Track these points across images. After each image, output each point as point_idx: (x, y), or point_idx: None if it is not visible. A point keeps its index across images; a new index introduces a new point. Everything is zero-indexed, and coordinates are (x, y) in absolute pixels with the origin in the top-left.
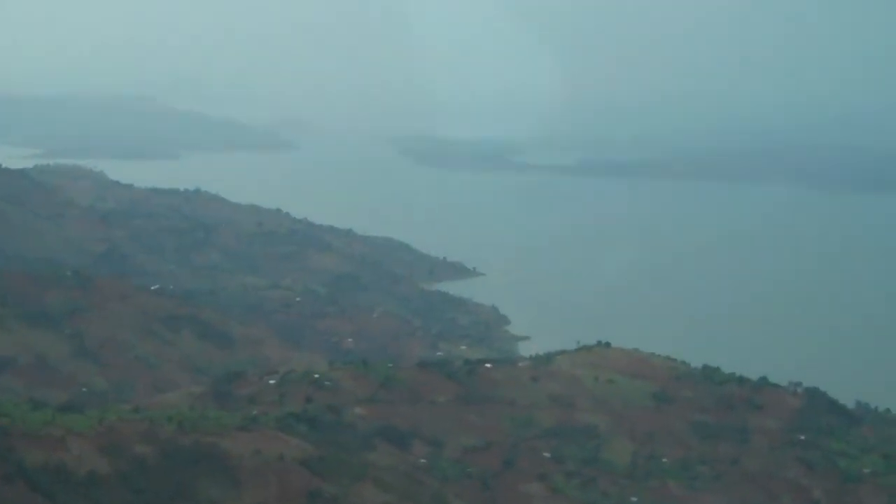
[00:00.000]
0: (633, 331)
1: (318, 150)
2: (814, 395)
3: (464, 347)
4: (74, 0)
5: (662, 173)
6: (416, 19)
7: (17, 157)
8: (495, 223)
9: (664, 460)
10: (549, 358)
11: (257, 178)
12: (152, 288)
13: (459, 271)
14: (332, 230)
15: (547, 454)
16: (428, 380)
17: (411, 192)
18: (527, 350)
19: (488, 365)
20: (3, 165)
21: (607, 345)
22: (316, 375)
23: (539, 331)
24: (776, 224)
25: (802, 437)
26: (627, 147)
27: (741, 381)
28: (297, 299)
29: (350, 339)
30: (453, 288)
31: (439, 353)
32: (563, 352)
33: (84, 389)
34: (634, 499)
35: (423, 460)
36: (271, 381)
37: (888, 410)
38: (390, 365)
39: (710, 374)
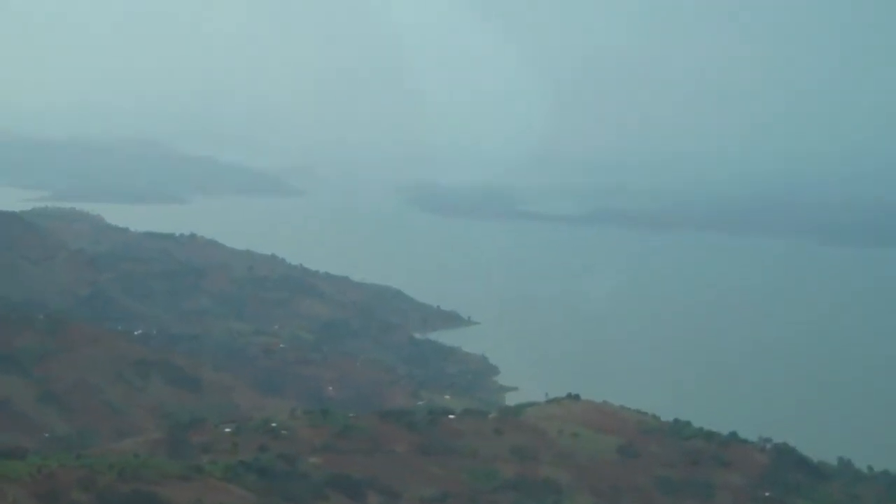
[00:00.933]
0: (621, 383)
1: (324, 198)
2: (783, 451)
3: (447, 397)
4: (86, 44)
5: (670, 224)
6: (423, 68)
7: (21, 200)
8: (496, 272)
9: None
10: (518, 410)
11: (260, 223)
12: (135, 332)
13: (453, 320)
14: (327, 277)
15: None
16: (388, 429)
17: (413, 240)
18: (513, 401)
19: (451, 416)
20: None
21: (576, 397)
22: (273, 424)
23: (528, 382)
24: (778, 277)
25: (767, 494)
26: (635, 197)
27: (709, 436)
28: (281, 346)
29: (331, 387)
30: (445, 337)
31: (420, 403)
32: (533, 404)
33: (47, 435)
34: None
35: None
36: (227, 430)
37: (870, 468)
38: (351, 414)
39: (678, 429)
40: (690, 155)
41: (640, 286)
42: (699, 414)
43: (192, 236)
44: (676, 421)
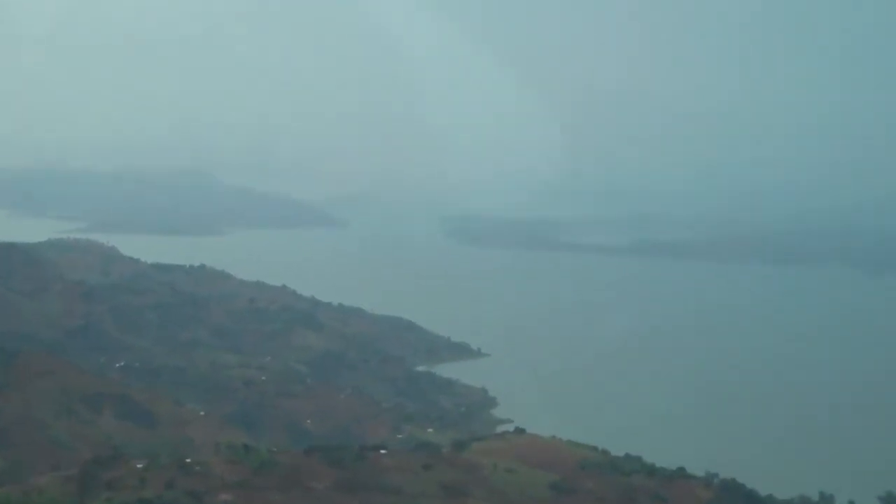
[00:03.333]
0: (613, 416)
1: (365, 229)
2: (729, 486)
3: (430, 430)
4: (134, 76)
5: (707, 254)
6: (457, 102)
7: (54, 231)
8: (523, 303)
9: None
10: (463, 444)
11: (290, 254)
12: (117, 365)
13: (462, 352)
14: (339, 308)
15: None
16: (311, 465)
17: (446, 272)
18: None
19: (383, 451)
20: (20, 240)
21: (521, 431)
22: (187, 460)
23: (525, 414)
24: (811, 307)
25: None
26: (672, 227)
27: (653, 471)
28: (263, 378)
29: (309, 420)
30: (451, 369)
31: (400, 436)
32: (481, 438)
33: None
34: None
35: None
36: (139, 465)
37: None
38: (274, 449)
39: (620, 465)
40: (728, 183)
41: (669, 318)
42: (692, 450)
43: (202, 267)
44: (626, 456)
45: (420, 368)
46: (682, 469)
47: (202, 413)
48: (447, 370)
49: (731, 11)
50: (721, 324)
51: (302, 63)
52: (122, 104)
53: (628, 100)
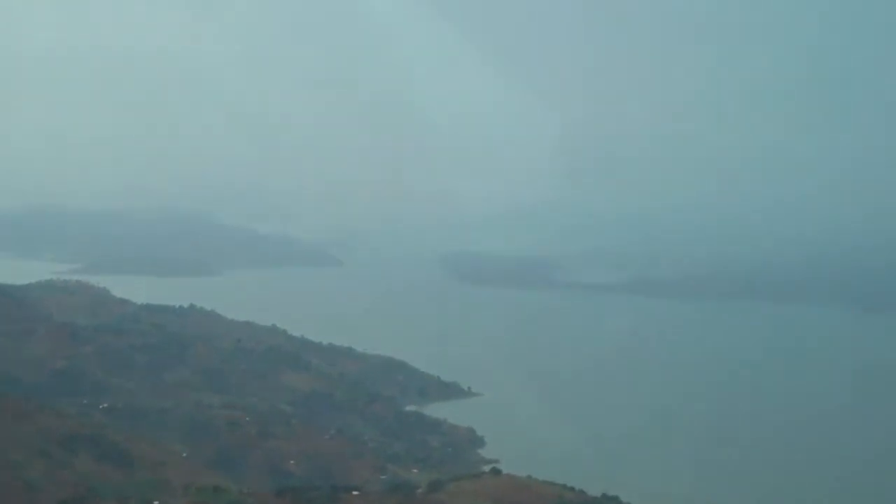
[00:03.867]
0: (599, 456)
1: (362, 267)
2: None
3: (415, 471)
4: (133, 118)
5: (705, 292)
6: (467, 141)
7: (49, 272)
8: (516, 341)
9: None
10: (439, 484)
11: (287, 294)
12: (101, 406)
13: (453, 391)
14: (329, 348)
15: None
16: None
17: (443, 310)
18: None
19: (355, 492)
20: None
21: (497, 472)
22: (155, 502)
23: (513, 454)
24: (813, 344)
25: None
26: (670, 265)
27: None
28: (247, 419)
29: (293, 461)
30: (440, 409)
31: (383, 477)
32: (458, 478)
33: None
34: None
35: None
36: None
37: None
38: (245, 491)
39: None
40: (727, 221)
41: (666, 357)
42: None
43: (192, 308)
44: (602, 496)
45: (410, 408)
46: None
47: (185, 454)
48: (437, 410)
49: (740, 51)
50: (716, 363)
51: (301, 103)
52: (121, 145)
53: (626, 139)
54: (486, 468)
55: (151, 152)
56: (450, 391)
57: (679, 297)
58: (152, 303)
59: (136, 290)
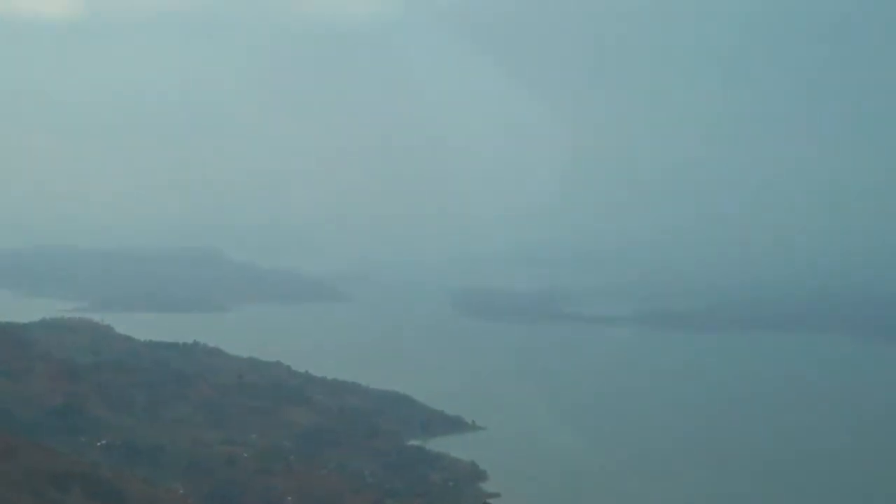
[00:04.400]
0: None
1: (371, 303)
2: None
3: None
4: (143, 157)
5: (718, 324)
6: (469, 172)
7: (56, 310)
8: (523, 375)
9: None
10: None
11: (294, 329)
12: (98, 444)
13: (457, 425)
14: (333, 383)
15: None
16: None
17: (450, 344)
18: None
19: None
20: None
21: None
22: None
23: (514, 489)
24: (821, 375)
25: None
26: (681, 297)
27: None
28: (245, 455)
29: (290, 498)
30: (443, 443)
31: None
32: None
33: None
34: None
35: None
36: None
37: None
38: None
39: None
40: (737, 251)
41: (675, 388)
42: None
43: (195, 344)
44: None
45: (413, 442)
46: None
47: (181, 491)
48: (440, 444)
49: (758, 75)
50: (728, 394)
51: (311, 138)
52: (131, 185)
53: (635, 167)
54: (489, 502)
55: (161, 191)
56: (454, 425)
57: (689, 328)
58: (157, 339)
59: (142, 326)
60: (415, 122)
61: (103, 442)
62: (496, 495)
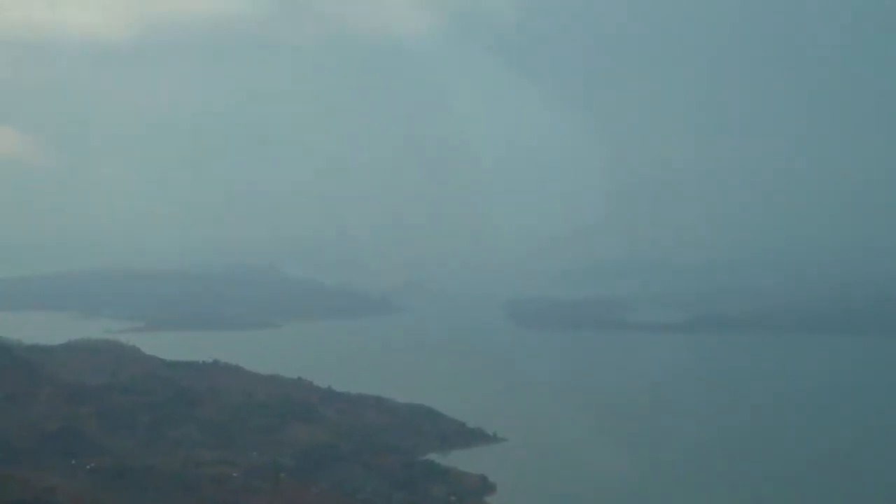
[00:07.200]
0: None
1: (423, 316)
2: None
3: None
4: (199, 175)
5: (771, 327)
6: (525, 183)
7: (104, 331)
8: (563, 384)
9: None
10: None
11: (336, 344)
12: (88, 467)
13: (477, 438)
14: (355, 398)
15: None
16: None
17: (496, 355)
18: None
19: None
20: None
21: None
22: None
23: (521, 501)
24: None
25: None
26: (738, 300)
27: None
28: (234, 475)
29: None
30: (459, 456)
31: None
32: None
33: None
34: None
35: None
36: None
37: None
38: None
39: None
40: (787, 254)
41: (723, 396)
42: None
43: (215, 363)
44: None
45: (429, 456)
46: None
47: None
48: (456, 457)
49: (796, 75)
50: (781, 401)
51: (363, 152)
52: (188, 204)
53: (685, 173)
54: None
55: (218, 209)
56: (474, 438)
57: (742, 333)
58: (184, 359)
59: (183, 346)
60: (464, 137)
61: (91, 465)
62: None
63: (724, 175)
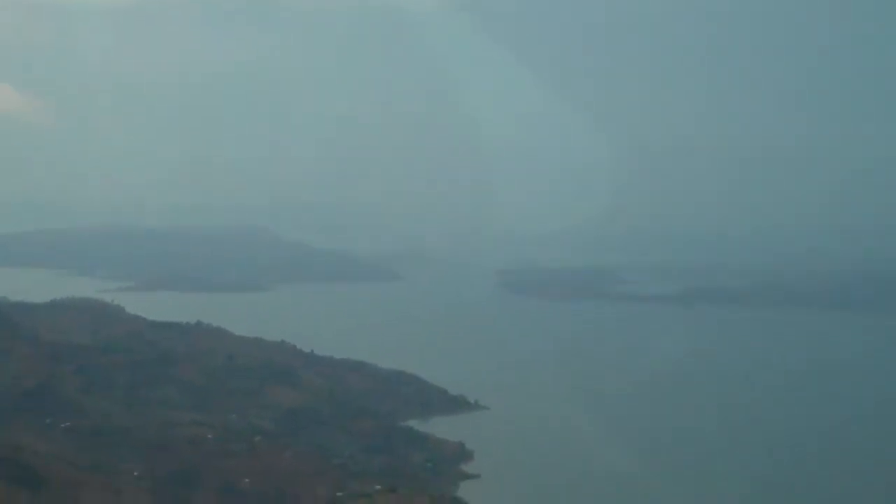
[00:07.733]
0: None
1: (419, 282)
2: None
3: (378, 487)
4: (194, 136)
5: (765, 301)
6: (518, 150)
7: (97, 290)
8: (552, 353)
9: None
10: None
11: (326, 309)
12: (62, 426)
13: (458, 405)
14: (337, 362)
15: None
16: None
17: (489, 322)
18: (469, 489)
19: None
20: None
21: (394, 489)
22: None
23: (497, 470)
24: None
25: None
26: (733, 275)
27: None
28: (209, 436)
29: (248, 480)
30: (440, 423)
31: (339, 494)
32: (368, 494)
33: None
34: None
35: None
36: None
37: None
38: None
39: None
40: (787, 229)
41: (714, 369)
42: None
43: (198, 325)
44: None
45: (409, 423)
46: None
47: (136, 473)
48: (437, 424)
49: (794, 56)
50: (767, 377)
51: (359, 119)
52: (182, 164)
53: (679, 146)
54: (465, 483)
55: (212, 170)
56: (455, 405)
57: (736, 306)
58: (168, 320)
59: (170, 306)
60: (462, 106)
61: (67, 424)
62: (476, 476)
63: (720, 150)
